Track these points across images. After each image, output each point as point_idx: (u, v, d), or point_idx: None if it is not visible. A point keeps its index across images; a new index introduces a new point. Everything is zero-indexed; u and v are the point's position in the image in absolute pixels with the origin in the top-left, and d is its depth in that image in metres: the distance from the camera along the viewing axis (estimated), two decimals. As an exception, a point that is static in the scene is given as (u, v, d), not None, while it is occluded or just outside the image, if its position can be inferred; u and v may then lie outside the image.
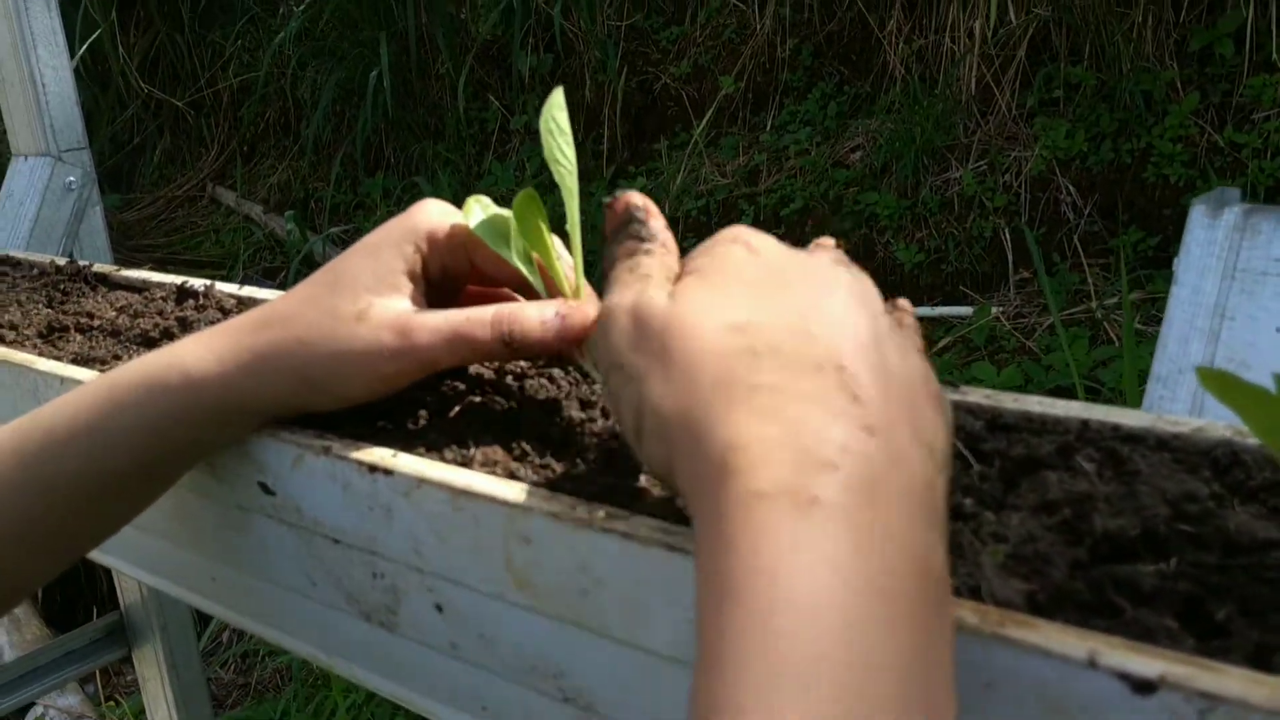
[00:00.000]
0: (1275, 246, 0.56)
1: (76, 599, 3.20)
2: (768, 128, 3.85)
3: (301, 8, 4.85)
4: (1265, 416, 0.37)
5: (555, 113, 0.57)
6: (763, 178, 3.68)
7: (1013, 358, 2.81)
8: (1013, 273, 3.12)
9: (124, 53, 5.38)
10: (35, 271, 1.01)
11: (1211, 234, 0.66)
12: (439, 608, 0.52)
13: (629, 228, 0.46)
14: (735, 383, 0.35)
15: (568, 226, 0.57)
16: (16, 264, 1.05)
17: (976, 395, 0.51)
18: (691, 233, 3.64)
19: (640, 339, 0.39)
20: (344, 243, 4.17)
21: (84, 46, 4.96)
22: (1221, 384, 0.37)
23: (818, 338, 0.36)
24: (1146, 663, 0.31)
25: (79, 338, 0.80)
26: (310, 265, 3.91)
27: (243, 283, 0.88)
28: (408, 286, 0.55)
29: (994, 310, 2.95)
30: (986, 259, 3.20)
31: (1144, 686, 0.31)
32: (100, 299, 0.89)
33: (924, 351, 0.41)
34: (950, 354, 2.90)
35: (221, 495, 0.61)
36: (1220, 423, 0.47)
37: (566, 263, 0.57)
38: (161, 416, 0.54)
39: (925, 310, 3.18)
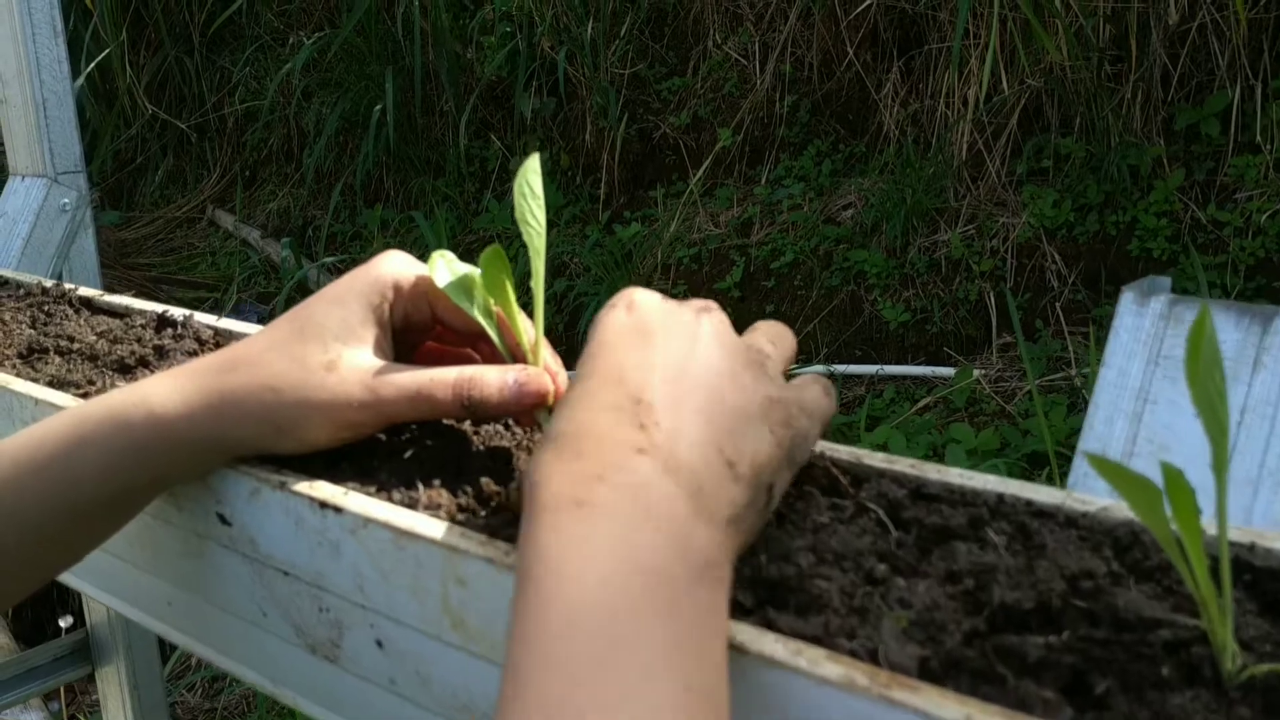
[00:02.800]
0: (1197, 337, 0.59)
1: (50, 619, 3.19)
2: (762, 181, 3.90)
3: (310, 40, 4.92)
4: (1146, 501, 0.39)
5: (530, 177, 0.59)
6: (755, 230, 3.72)
7: (991, 421, 2.84)
8: (996, 336, 3.16)
9: (132, 72, 5.43)
10: (22, 291, 1.04)
11: (1139, 320, 0.69)
12: (379, 644, 0.54)
13: None
14: (552, 436, 0.45)
15: (532, 283, 0.60)
16: (4, 283, 1.08)
17: (903, 464, 0.54)
18: (683, 279, 3.68)
19: None
20: (338, 271, 4.19)
21: (92, 64, 5.01)
22: (1108, 470, 0.40)
23: (626, 381, 0.46)
24: (1014, 729, 0.34)
25: (58, 360, 0.82)
26: (304, 292, 3.93)
27: (234, 307, 0.90)
28: (373, 336, 0.57)
29: (975, 373, 2.98)
30: (971, 321, 3.24)
31: (1011, 751, 0.33)
32: (82, 323, 0.92)
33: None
34: (931, 414, 2.92)
35: (181, 523, 0.63)
36: (1126, 504, 0.49)
37: (526, 322, 0.59)
38: (125, 453, 0.56)
39: (908, 369, 3.22)
